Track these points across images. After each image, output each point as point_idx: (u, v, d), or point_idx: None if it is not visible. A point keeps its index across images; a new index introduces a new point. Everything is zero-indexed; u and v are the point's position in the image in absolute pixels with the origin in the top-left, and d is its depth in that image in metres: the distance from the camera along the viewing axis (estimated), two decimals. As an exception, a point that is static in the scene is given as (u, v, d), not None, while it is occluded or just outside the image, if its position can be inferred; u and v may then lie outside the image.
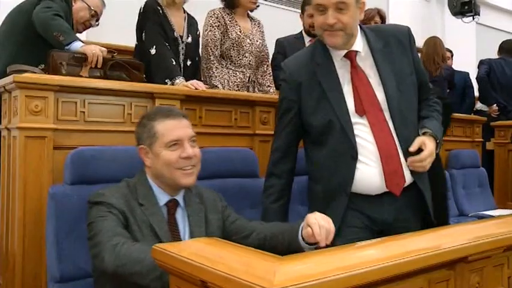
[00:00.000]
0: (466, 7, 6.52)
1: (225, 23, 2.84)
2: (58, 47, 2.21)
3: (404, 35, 1.81)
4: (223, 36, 2.83)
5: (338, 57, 1.74)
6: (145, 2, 2.65)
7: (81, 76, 2.10)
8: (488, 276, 1.22)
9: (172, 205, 1.58)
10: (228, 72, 2.84)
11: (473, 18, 6.65)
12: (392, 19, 6.64)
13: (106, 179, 1.83)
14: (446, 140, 3.32)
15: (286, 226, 1.61)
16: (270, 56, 3.20)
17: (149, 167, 1.57)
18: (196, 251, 0.92)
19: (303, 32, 3.40)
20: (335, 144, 1.70)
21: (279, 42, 3.35)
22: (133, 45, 2.76)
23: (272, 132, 2.51)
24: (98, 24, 2.74)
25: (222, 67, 2.85)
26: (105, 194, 1.49)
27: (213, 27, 2.81)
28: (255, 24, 3.00)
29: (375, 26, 2.68)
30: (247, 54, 2.88)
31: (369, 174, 1.68)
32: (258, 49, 2.93)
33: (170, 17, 2.65)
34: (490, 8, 7.72)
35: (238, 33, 2.86)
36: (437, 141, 1.74)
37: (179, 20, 2.71)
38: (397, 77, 1.74)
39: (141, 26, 2.62)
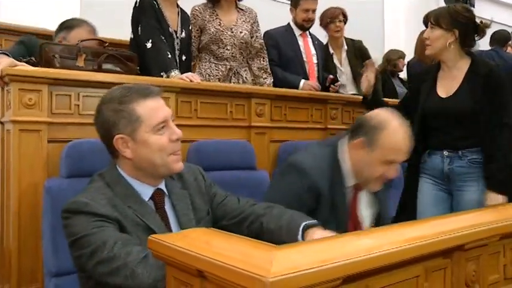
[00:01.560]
0: (461, -1, 6.53)
1: (203, 18, 2.87)
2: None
3: None
4: (201, 32, 2.88)
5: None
6: None
7: (77, 66, 2.08)
8: (485, 264, 1.23)
9: (159, 197, 1.41)
10: (211, 66, 2.86)
11: (469, 11, 6.65)
12: (387, 11, 6.64)
13: (102, 172, 1.83)
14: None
15: (283, 221, 1.42)
16: None
17: (129, 159, 1.34)
18: (192, 240, 0.92)
19: (291, 24, 3.37)
20: None
21: (270, 35, 3.28)
22: (129, 40, 2.74)
23: (268, 124, 2.52)
24: None
25: (204, 61, 2.89)
26: (89, 202, 1.27)
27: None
28: (242, 14, 2.96)
29: None
30: (228, 47, 2.87)
31: None
32: (242, 40, 2.90)
33: (165, 12, 2.63)
34: (485, 0, 7.72)
35: (217, 27, 2.85)
36: None
37: (173, 15, 2.69)
38: None
39: (137, 20, 2.59)
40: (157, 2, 2.60)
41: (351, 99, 3.03)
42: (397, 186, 2.31)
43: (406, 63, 4.59)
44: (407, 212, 2.26)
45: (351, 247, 0.93)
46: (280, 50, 3.24)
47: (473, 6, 6.61)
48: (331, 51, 3.66)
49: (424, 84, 2.30)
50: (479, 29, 2.22)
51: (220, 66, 2.87)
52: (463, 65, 2.22)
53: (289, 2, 3.41)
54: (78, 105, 1.96)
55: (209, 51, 2.88)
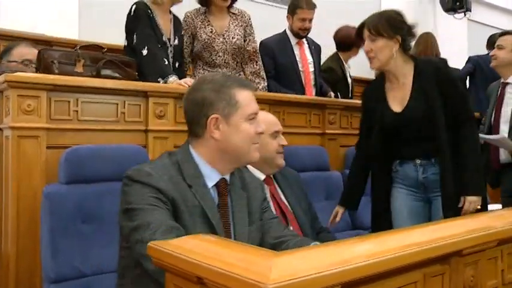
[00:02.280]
0: (458, 3, 6.55)
1: (194, 25, 2.86)
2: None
3: None
4: (193, 39, 2.88)
5: None
6: (136, 5, 2.61)
7: (76, 72, 2.09)
8: (483, 269, 1.23)
9: (223, 185, 1.43)
10: (204, 73, 2.83)
11: (465, 15, 6.69)
12: None
13: (101, 177, 1.84)
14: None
15: None
16: None
17: (215, 140, 1.38)
18: (192, 247, 0.92)
19: (287, 31, 3.36)
20: None
21: (265, 45, 3.27)
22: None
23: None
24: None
25: (198, 68, 2.88)
26: (153, 174, 1.31)
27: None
28: (235, 19, 2.92)
29: None
30: (220, 54, 2.85)
31: None
32: (234, 46, 2.87)
33: (159, 20, 2.63)
34: (481, 4, 7.76)
35: (209, 33, 2.84)
36: None
37: (166, 22, 2.70)
38: None
39: (132, 29, 2.59)
40: (151, 10, 2.60)
41: (349, 104, 3.04)
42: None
43: None
44: (381, 222, 2.20)
45: (350, 253, 0.93)
46: (275, 60, 3.22)
47: (470, 11, 6.65)
48: (346, 65, 3.76)
49: (376, 102, 2.20)
50: (412, 31, 2.15)
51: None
52: (409, 71, 2.14)
53: (285, 7, 3.41)
54: (77, 111, 1.97)
55: (201, 58, 2.88)
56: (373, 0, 6.50)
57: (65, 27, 3.77)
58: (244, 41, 2.93)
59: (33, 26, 3.42)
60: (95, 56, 2.21)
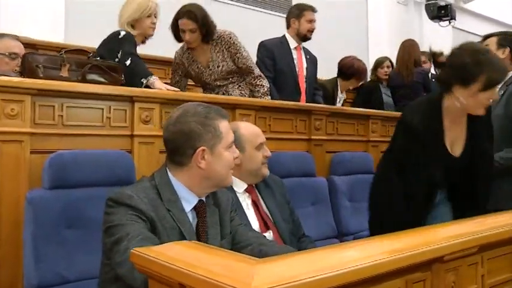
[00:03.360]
0: (443, 11, 6.67)
1: (183, 64, 2.97)
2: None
3: None
4: (185, 75, 3.03)
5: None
6: (126, 32, 2.64)
7: (62, 76, 2.07)
8: (463, 275, 1.25)
9: (201, 207, 1.51)
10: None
11: (450, 23, 6.80)
12: (371, 23, 6.73)
13: (86, 183, 1.82)
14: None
15: (278, 248, 1.56)
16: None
17: (201, 169, 1.45)
18: (174, 254, 0.92)
19: (286, 36, 3.45)
20: None
21: (264, 46, 3.35)
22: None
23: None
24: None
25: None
26: (134, 197, 1.38)
27: (174, 71, 3.05)
28: (215, 45, 2.90)
29: None
30: (211, 82, 2.92)
31: None
32: (222, 73, 2.91)
33: None
34: (465, 12, 7.89)
35: (196, 69, 2.94)
36: None
37: None
38: None
39: (116, 48, 2.58)
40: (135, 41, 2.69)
41: (335, 110, 3.06)
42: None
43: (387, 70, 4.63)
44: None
45: (332, 260, 0.94)
46: (275, 62, 3.30)
47: (455, 19, 6.76)
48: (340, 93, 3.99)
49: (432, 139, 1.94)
50: None
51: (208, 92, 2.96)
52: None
53: (277, 14, 3.47)
54: (62, 116, 1.95)
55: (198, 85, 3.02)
56: (360, 8, 6.58)
57: (50, 30, 3.75)
58: (233, 60, 2.90)
59: (18, 28, 3.38)
60: (81, 61, 2.20)
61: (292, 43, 3.44)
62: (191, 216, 1.49)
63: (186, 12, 2.79)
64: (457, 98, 1.91)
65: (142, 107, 2.14)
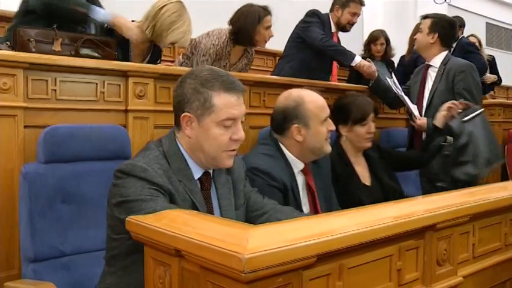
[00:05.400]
0: (438, -12, 6.61)
1: (220, 53, 2.91)
2: (79, 21, 2.08)
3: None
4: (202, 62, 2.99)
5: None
6: None
7: (54, 51, 2.04)
8: (455, 243, 1.27)
9: (207, 180, 1.43)
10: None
11: (445, 0, 6.75)
12: (366, 16, 6.65)
13: (81, 157, 1.82)
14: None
15: (293, 214, 1.51)
16: None
17: (188, 137, 1.37)
18: (170, 221, 0.93)
19: (330, 17, 3.36)
20: None
21: (318, 16, 3.26)
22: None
23: (247, 110, 2.50)
24: None
25: None
26: (148, 169, 1.28)
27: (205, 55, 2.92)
28: (246, 53, 3.05)
29: None
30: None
31: None
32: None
33: None
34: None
35: (222, 63, 2.92)
36: None
37: None
38: None
39: None
40: None
41: (329, 86, 3.05)
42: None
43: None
44: None
45: (326, 226, 0.96)
46: (323, 28, 3.25)
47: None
48: None
49: None
50: None
51: None
52: None
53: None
54: (55, 90, 1.93)
55: None
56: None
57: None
58: (241, 70, 3.04)
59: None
60: (74, 35, 2.17)
61: (333, 27, 3.36)
62: (199, 187, 1.42)
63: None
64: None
65: (137, 82, 2.13)
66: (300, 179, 1.85)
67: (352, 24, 3.39)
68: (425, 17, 2.93)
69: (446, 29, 2.84)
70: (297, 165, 1.85)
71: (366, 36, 5.09)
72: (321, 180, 1.95)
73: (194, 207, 1.33)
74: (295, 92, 1.90)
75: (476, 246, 1.36)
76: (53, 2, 2.15)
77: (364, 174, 2.26)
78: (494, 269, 1.43)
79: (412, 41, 4.16)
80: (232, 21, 2.87)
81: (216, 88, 1.35)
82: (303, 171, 1.87)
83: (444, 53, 2.85)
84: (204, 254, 0.82)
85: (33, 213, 1.68)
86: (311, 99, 1.85)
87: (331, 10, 3.39)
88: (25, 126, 1.84)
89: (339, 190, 2.08)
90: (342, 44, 3.39)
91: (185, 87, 1.37)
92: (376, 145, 2.42)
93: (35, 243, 1.67)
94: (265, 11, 2.86)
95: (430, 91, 2.81)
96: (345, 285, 0.97)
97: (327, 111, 1.87)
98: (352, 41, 3.93)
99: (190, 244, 0.84)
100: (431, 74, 2.87)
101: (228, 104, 1.35)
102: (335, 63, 3.55)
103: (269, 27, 2.87)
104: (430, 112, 2.73)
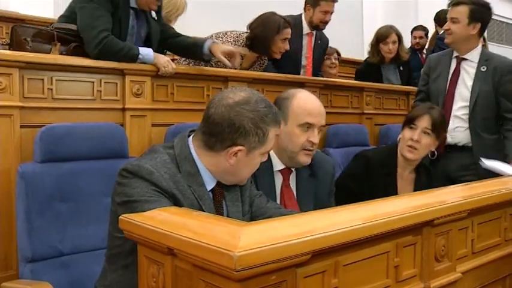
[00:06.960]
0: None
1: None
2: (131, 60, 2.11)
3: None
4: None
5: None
6: None
7: (50, 51, 2.02)
8: (454, 239, 1.26)
9: (219, 191, 1.43)
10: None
11: (446, -3, 6.70)
12: (366, 16, 6.62)
13: (78, 156, 1.81)
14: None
15: None
16: None
17: (229, 165, 1.35)
18: (162, 219, 0.92)
19: (303, 18, 3.29)
20: None
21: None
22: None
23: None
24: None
25: None
26: (155, 173, 1.28)
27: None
28: (259, 61, 2.95)
29: None
30: None
31: None
32: None
33: None
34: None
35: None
36: None
37: None
38: None
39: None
40: None
41: (328, 83, 3.04)
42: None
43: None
44: None
45: (321, 223, 0.94)
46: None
47: None
48: None
49: None
50: None
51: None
52: None
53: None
54: (52, 90, 1.92)
55: None
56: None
57: (39, 6, 3.68)
58: None
59: (5, 3, 3.33)
60: (66, 38, 2.11)
61: (306, 28, 3.28)
62: (211, 197, 1.42)
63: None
64: None
65: (134, 80, 2.12)
66: (278, 180, 1.76)
67: (326, 23, 3.28)
68: (456, 3, 2.50)
69: (487, 16, 2.50)
70: (276, 164, 1.76)
71: (365, 34, 4.97)
72: (311, 194, 1.81)
73: (201, 211, 1.32)
74: (296, 90, 1.83)
75: (475, 242, 1.35)
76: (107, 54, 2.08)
77: (404, 190, 2.11)
78: (494, 265, 1.42)
79: (434, 36, 4.02)
80: (251, 27, 2.79)
81: (272, 123, 1.37)
82: (282, 173, 1.77)
83: (480, 46, 2.55)
84: (196, 252, 0.81)
85: (31, 213, 1.68)
86: (301, 99, 1.73)
87: (304, 10, 3.31)
88: (21, 126, 1.83)
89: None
90: (340, 42, 3.36)
91: (243, 120, 1.32)
92: (427, 168, 2.24)
93: (32, 243, 1.67)
94: (286, 22, 2.77)
95: (473, 90, 2.50)
96: (341, 283, 0.96)
97: (313, 120, 1.70)
98: (352, 40, 3.90)
99: (183, 242, 0.83)
100: (468, 70, 2.55)
101: (273, 138, 1.39)
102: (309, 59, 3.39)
103: (286, 39, 2.78)
104: (476, 114, 2.47)
